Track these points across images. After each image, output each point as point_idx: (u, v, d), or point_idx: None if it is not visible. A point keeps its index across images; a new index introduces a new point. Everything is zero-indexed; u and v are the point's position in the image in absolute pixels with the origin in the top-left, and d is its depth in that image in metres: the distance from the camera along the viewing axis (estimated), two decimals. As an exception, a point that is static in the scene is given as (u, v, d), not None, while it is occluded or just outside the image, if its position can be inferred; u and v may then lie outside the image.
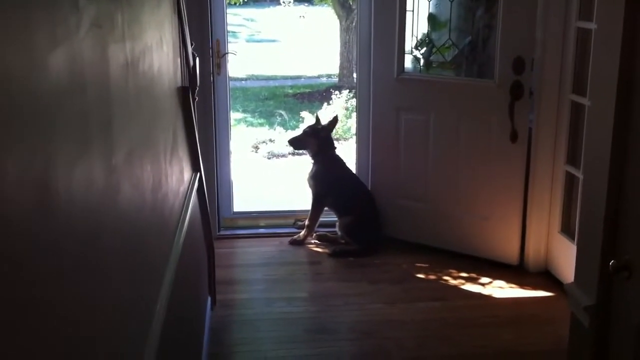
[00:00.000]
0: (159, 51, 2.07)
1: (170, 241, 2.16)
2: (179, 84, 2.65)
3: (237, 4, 15.42)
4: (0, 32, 0.77)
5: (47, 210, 0.92)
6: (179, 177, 2.43)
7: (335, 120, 4.80)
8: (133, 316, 1.54)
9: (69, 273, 1.05)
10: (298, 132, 5.42)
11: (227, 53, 4.66)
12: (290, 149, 8.31)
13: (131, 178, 1.51)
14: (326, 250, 4.54)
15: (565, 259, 3.88)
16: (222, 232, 4.80)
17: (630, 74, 1.79)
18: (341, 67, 12.69)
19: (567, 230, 4.00)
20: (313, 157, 4.75)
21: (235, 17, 19.62)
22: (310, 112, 9.71)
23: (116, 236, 1.37)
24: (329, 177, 4.65)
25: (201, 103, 4.21)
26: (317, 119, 4.85)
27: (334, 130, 4.90)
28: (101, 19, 1.27)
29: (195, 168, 3.07)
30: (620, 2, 1.80)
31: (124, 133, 1.46)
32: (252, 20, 21.07)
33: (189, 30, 4.10)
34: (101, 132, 1.24)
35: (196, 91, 3.35)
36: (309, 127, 4.87)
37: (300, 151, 5.72)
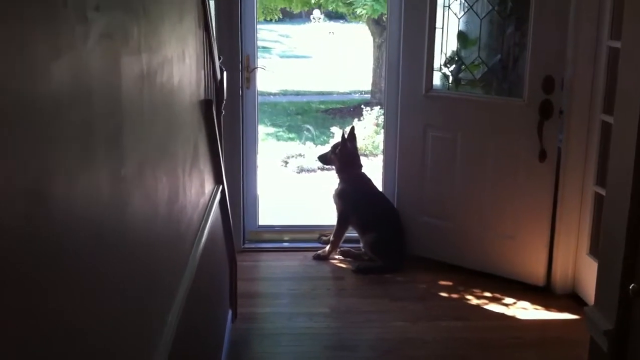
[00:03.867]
0: (180, 64, 2.09)
1: (186, 253, 2.17)
2: (202, 97, 2.67)
3: (273, 21, 15.58)
4: (1, 40, 0.78)
5: (44, 220, 0.93)
6: (198, 189, 2.45)
7: (351, 133, 4.78)
8: (142, 328, 1.54)
9: (71, 284, 1.05)
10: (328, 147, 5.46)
11: (256, 68, 4.70)
12: (320, 164, 8.40)
13: (142, 189, 1.52)
14: (350, 266, 4.52)
15: (593, 281, 3.76)
16: (247, 246, 4.81)
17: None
18: (373, 84, 12.72)
19: (595, 252, 3.92)
20: (337, 174, 4.77)
21: (270, 33, 19.81)
22: (340, 128, 9.74)
23: (124, 247, 1.37)
24: (353, 196, 4.64)
25: (229, 117, 4.25)
26: (342, 136, 4.84)
27: (362, 146, 4.88)
28: (113, 30, 1.28)
29: (217, 180, 3.08)
30: (643, 21, 1.77)
31: (137, 144, 1.47)
32: (287, 36, 21.26)
33: (219, 45, 4.17)
34: (109, 142, 1.25)
35: (223, 105, 3.38)
36: (336, 144, 4.91)
37: (330, 167, 5.74)
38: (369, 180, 4.75)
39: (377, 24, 12.45)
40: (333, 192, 4.76)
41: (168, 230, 1.85)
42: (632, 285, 1.73)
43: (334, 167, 4.86)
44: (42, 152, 0.91)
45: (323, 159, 5.01)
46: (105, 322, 1.25)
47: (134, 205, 1.43)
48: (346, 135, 4.77)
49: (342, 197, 4.66)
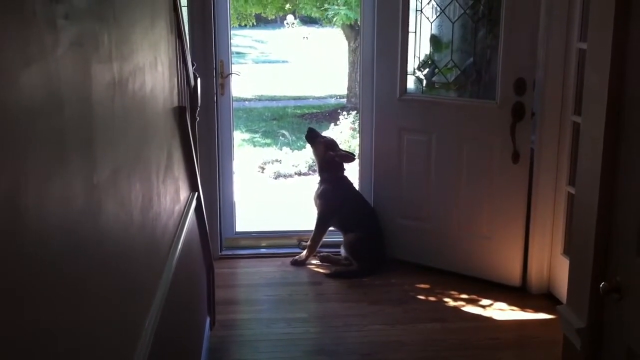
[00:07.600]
0: (153, 71, 2.09)
1: (162, 260, 2.16)
2: (176, 104, 2.66)
3: (248, 26, 15.56)
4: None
5: (17, 228, 0.92)
6: (173, 196, 2.44)
7: (350, 158, 4.77)
8: (119, 337, 1.53)
9: (44, 292, 1.04)
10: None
11: (231, 74, 4.70)
12: (297, 169, 8.44)
13: (116, 196, 1.51)
14: (327, 271, 4.52)
15: (568, 281, 3.84)
16: (224, 252, 4.80)
17: (618, 93, 1.79)
18: (349, 88, 12.76)
19: (569, 251, 3.97)
20: (320, 174, 4.77)
21: (244, 39, 19.79)
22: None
23: (98, 254, 1.37)
24: (335, 197, 4.65)
25: (204, 123, 4.24)
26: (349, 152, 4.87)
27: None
28: (84, 38, 1.28)
29: (193, 187, 3.07)
30: (609, 25, 1.81)
31: (109, 151, 1.47)
32: (261, 42, 21.25)
33: (193, 51, 4.16)
34: (81, 150, 1.25)
35: (197, 111, 3.37)
36: (334, 140, 4.91)
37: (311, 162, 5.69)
38: (350, 183, 4.77)
39: (351, 28, 12.51)
40: (314, 194, 4.76)
41: (143, 237, 1.84)
42: (603, 283, 1.76)
43: (313, 150, 4.84)
44: (13, 160, 0.91)
45: (313, 135, 4.87)
46: (80, 330, 1.24)
47: (108, 212, 1.43)
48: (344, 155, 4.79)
49: (324, 197, 4.66)
